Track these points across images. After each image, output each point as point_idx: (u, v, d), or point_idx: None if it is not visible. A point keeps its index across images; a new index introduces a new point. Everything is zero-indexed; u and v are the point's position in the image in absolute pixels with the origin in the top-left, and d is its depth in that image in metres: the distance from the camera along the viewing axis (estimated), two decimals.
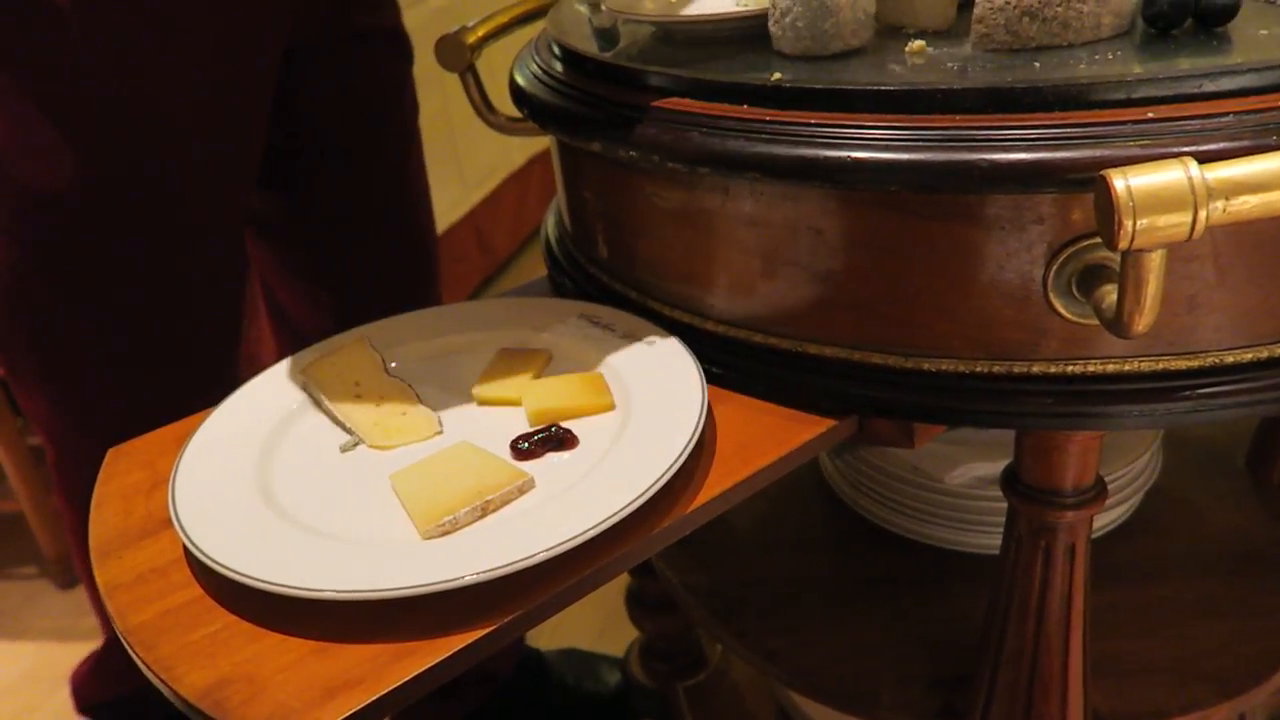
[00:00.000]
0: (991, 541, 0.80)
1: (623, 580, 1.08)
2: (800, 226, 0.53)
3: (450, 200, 2.07)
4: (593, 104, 0.59)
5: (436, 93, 2.00)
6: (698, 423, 0.52)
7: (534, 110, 0.64)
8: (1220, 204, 0.38)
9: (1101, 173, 0.38)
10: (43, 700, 1.08)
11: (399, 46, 0.95)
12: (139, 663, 0.44)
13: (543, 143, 2.47)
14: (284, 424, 0.58)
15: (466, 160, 2.12)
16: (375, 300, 0.94)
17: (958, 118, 0.47)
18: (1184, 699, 0.70)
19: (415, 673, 0.42)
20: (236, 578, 0.45)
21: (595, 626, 1.35)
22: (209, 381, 0.83)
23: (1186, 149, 0.43)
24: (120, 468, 0.58)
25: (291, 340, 1.03)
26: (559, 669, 1.21)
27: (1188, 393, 0.50)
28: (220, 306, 0.85)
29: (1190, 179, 0.37)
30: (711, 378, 0.57)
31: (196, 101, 0.75)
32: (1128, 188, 0.38)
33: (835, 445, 0.90)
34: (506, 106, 0.77)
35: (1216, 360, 0.50)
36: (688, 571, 0.87)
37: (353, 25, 0.88)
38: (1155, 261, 0.40)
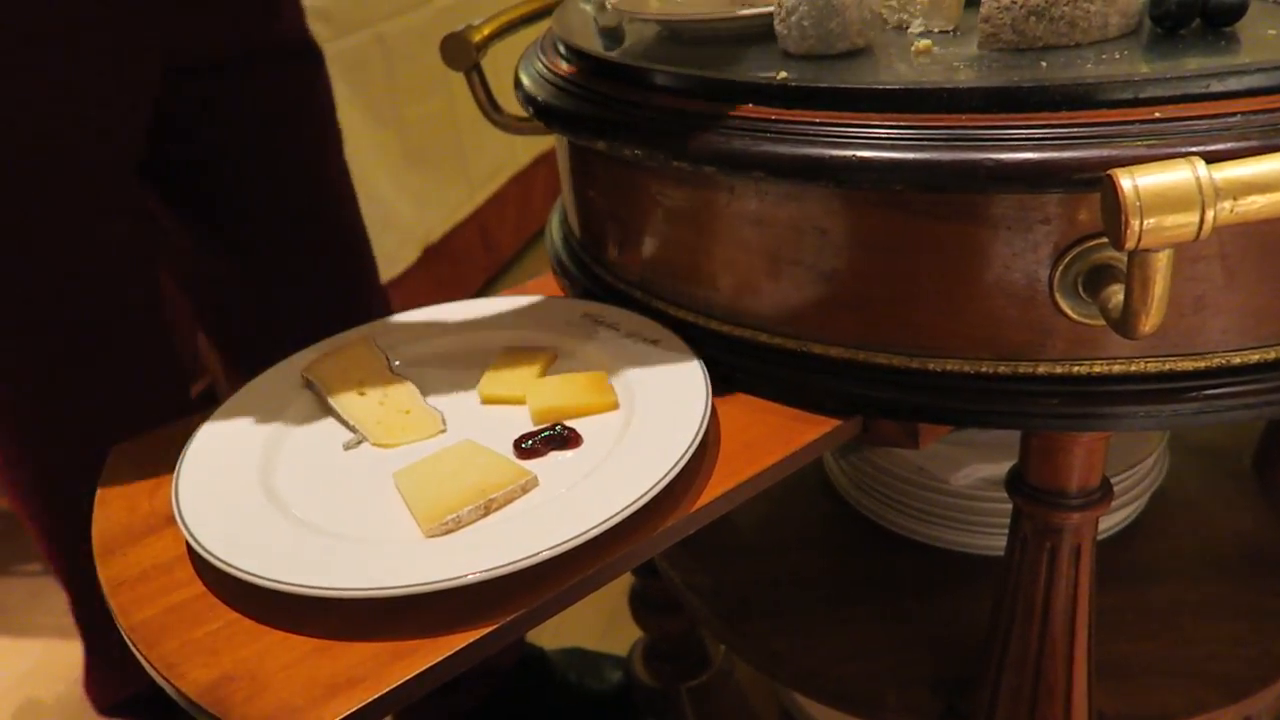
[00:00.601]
0: (996, 543, 0.80)
1: (626, 580, 1.08)
2: (805, 226, 0.53)
3: (455, 199, 2.07)
4: (598, 103, 0.59)
5: (442, 92, 2.00)
6: (701, 422, 0.51)
7: (539, 109, 0.64)
8: (1228, 204, 0.38)
9: (1108, 172, 0.38)
10: (48, 696, 1.08)
11: (304, 55, 0.95)
12: (141, 660, 0.44)
13: (548, 142, 2.47)
14: (287, 421, 0.58)
15: (472, 160, 2.12)
16: (310, 307, 0.96)
17: (964, 117, 0.47)
18: (1190, 701, 0.70)
19: (417, 671, 0.41)
20: (239, 575, 0.45)
21: (599, 626, 1.35)
22: (144, 391, 0.85)
23: (1194, 149, 0.42)
24: (124, 465, 0.58)
25: (232, 355, 1.04)
26: (561, 667, 1.21)
27: (1194, 394, 0.50)
28: (125, 309, 0.85)
29: (1198, 179, 0.37)
30: (716, 377, 0.57)
31: (65, 111, 0.75)
32: (1135, 187, 0.37)
33: (840, 446, 0.90)
34: (512, 105, 0.77)
35: (1223, 361, 0.50)
36: (691, 572, 0.86)
37: (254, 40, 0.88)
38: (1162, 262, 0.40)
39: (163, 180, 0.91)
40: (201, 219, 0.93)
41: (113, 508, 0.54)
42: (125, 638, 0.45)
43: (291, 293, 0.97)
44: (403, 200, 1.86)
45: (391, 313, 1.10)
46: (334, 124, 0.99)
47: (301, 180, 0.95)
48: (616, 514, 0.46)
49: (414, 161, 1.90)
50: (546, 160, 2.50)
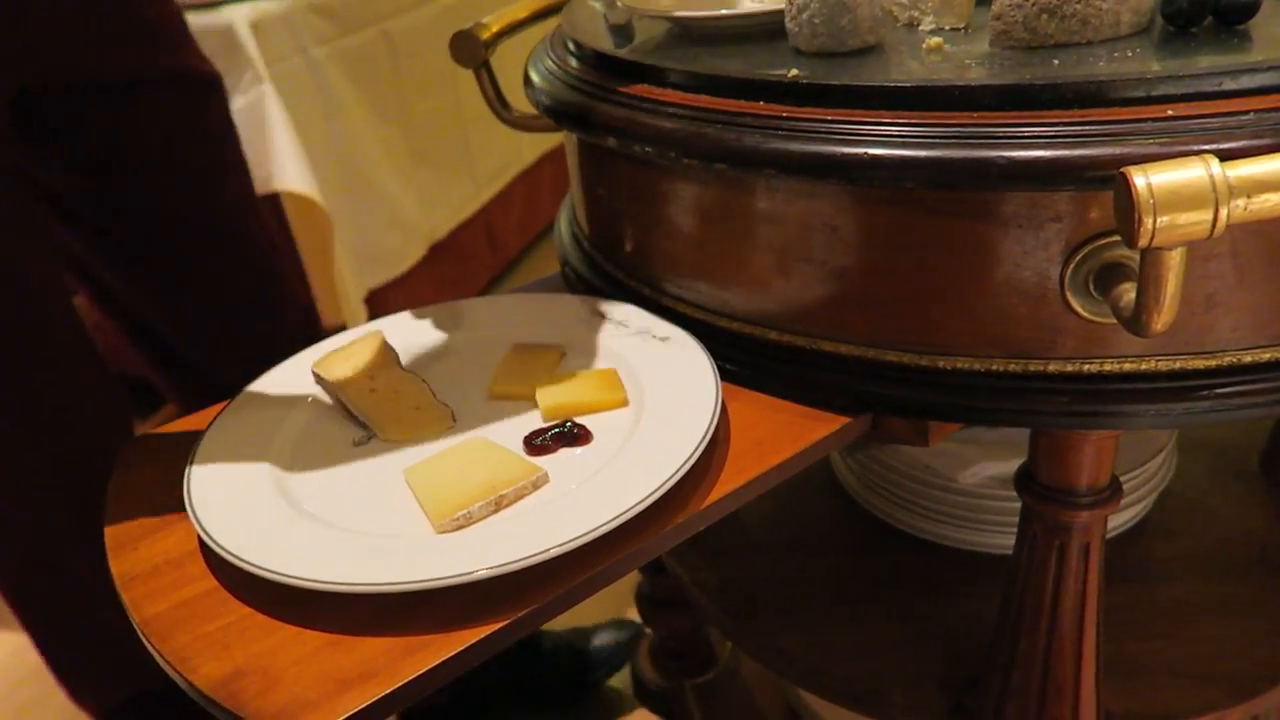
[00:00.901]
0: (1004, 541, 0.79)
1: (633, 578, 1.08)
2: (816, 223, 0.53)
3: (461, 197, 2.07)
4: (608, 100, 0.59)
5: (449, 90, 2.00)
6: (711, 419, 0.51)
7: (549, 106, 0.64)
8: (1241, 202, 0.38)
9: (1122, 170, 0.38)
10: (52, 693, 1.09)
11: (192, 86, 0.95)
12: (154, 653, 0.44)
13: (553, 141, 2.47)
14: (298, 417, 0.58)
15: (478, 157, 2.12)
16: (222, 327, 0.99)
17: (975, 115, 0.47)
18: (1197, 701, 0.70)
19: (429, 666, 0.42)
20: (251, 570, 0.45)
21: None
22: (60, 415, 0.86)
23: (1206, 147, 0.42)
24: (136, 460, 0.58)
25: (169, 377, 1.05)
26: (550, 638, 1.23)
27: (1205, 392, 0.50)
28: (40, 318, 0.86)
29: (1212, 176, 0.37)
30: (725, 374, 0.57)
31: None
32: (1148, 185, 0.37)
33: (848, 444, 0.90)
34: (520, 103, 0.77)
35: (1234, 360, 0.50)
36: (699, 569, 0.86)
37: (138, 70, 0.89)
38: (1175, 260, 0.40)
39: (71, 209, 0.92)
40: (106, 244, 0.95)
41: (125, 502, 0.54)
42: (139, 632, 0.46)
43: (201, 314, 0.99)
44: (409, 197, 1.86)
45: (316, 326, 1.11)
46: (231, 151, 1.01)
47: (195, 206, 0.96)
48: (626, 511, 0.46)
49: (420, 159, 1.90)
50: (552, 158, 2.50)
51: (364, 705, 0.40)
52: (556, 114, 0.63)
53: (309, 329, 1.10)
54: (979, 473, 0.81)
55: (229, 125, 1.00)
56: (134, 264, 0.96)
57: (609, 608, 1.36)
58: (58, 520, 0.90)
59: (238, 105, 1.56)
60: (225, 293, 1.00)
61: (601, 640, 1.26)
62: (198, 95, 0.96)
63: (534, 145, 2.43)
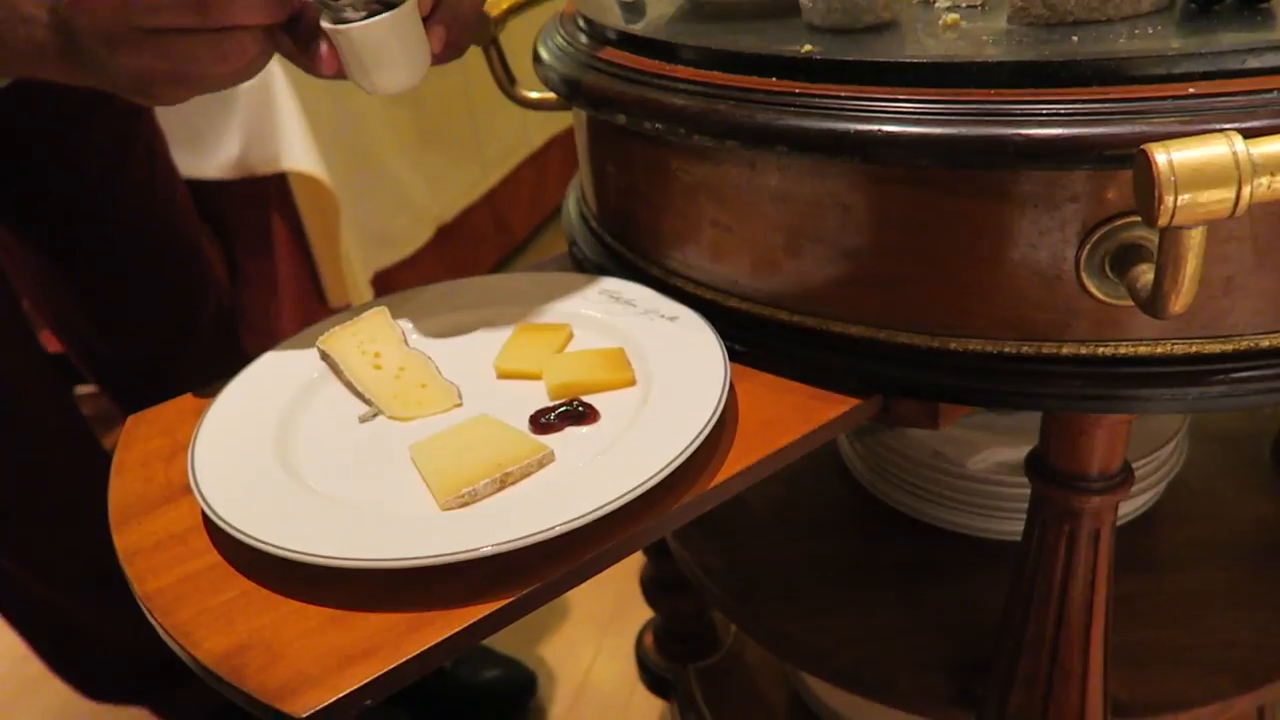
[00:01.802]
0: (1012, 527, 0.79)
1: (637, 560, 1.07)
2: (828, 202, 0.52)
3: (469, 180, 2.07)
4: (618, 77, 0.58)
5: (457, 71, 1.99)
6: (719, 400, 0.51)
7: (558, 83, 0.63)
8: (1265, 180, 0.37)
9: (1142, 147, 0.37)
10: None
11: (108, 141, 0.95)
12: (157, 627, 0.44)
13: (561, 124, 2.46)
14: (303, 393, 0.58)
15: (485, 140, 2.11)
16: (124, 320, 0.99)
17: (992, 92, 0.46)
18: (1205, 689, 0.70)
19: (432, 643, 0.41)
20: (255, 545, 0.45)
21: (609, 607, 1.35)
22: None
23: (1229, 126, 0.41)
24: (140, 434, 0.58)
25: (97, 374, 1.05)
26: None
27: (1221, 377, 0.49)
28: None
29: (1235, 154, 0.36)
30: (734, 355, 0.56)
31: None
32: (1169, 162, 0.37)
33: (856, 429, 0.89)
34: (530, 81, 0.76)
35: (1252, 344, 0.49)
36: (704, 553, 0.86)
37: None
38: (1195, 240, 0.39)
39: (17, 211, 0.92)
40: (18, 223, 0.94)
41: (129, 477, 0.54)
42: (141, 606, 0.45)
43: (110, 298, 0.99)
44: (416, 180, 1.85)
45: (233, 317, 1.10)
46: (142, 131, 1.00)
47: (102, 186, 0.95)
48: (632, 490, 0.46)
49: (428, 141, 1.89)
50: (560, 142, 2.49)
51: (366, 681, 0.40)
52: (566, 90, 0.63)
53: (231, 330, 1.10)
54: (988, 458, 0.80)
55: (136, 106, 0.99)
56: (45, 244, 0.95)
57: (613, 591, 1.36)
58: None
59: (244, 85, 1.56)
60: (133, 277, 0.99)
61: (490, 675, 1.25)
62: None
63: (542, 129, 2.42)
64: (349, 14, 0.54)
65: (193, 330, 1.03)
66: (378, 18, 0.54)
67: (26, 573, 0.96)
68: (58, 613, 1.01)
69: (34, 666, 1.30)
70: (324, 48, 0.55)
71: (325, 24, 0.54)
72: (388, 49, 0.55)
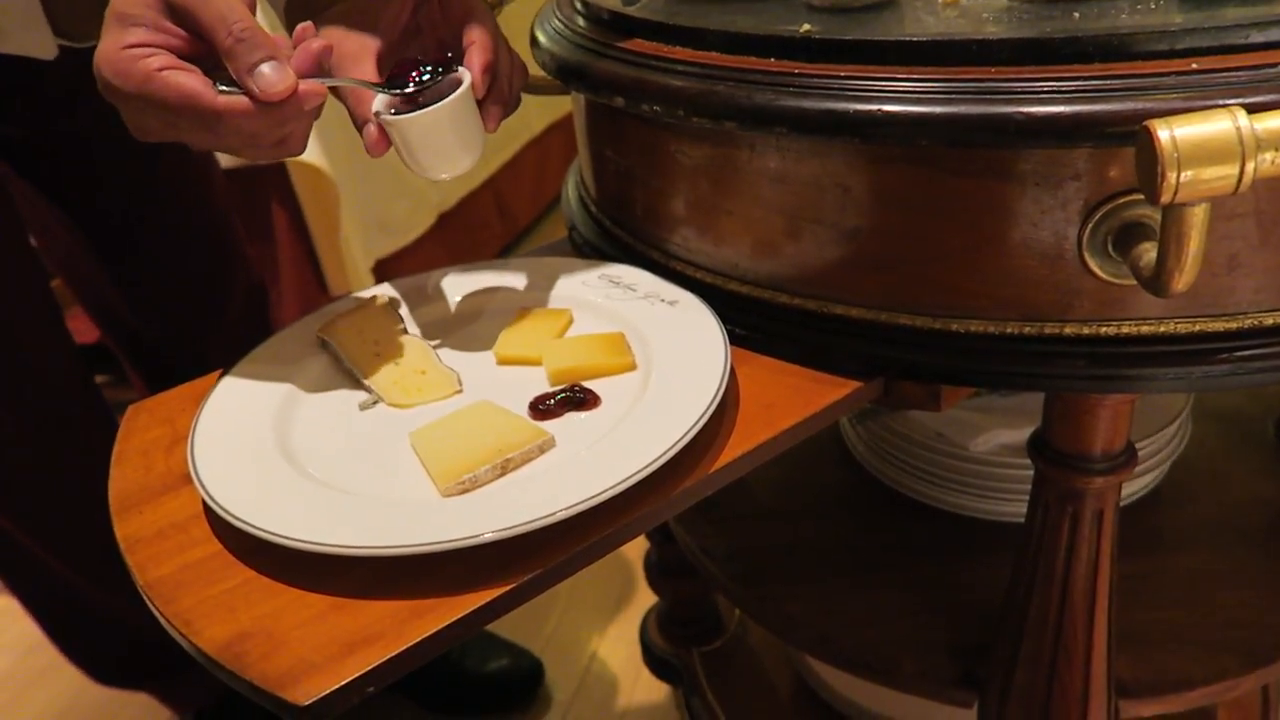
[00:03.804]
0: (1015, 509, 0.79)
1: (641, 546, 1.08)
2: (827, 183, 0.52)
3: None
4: (616, 59, 0.58)
5: None
6: (720, 383, 0.51)
7: (556, 66, 0.63)
8: (1269, 156, 0.36)
9: (1145, 123, 0.37)
10: (65, 659, 1.11)
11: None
12: (159, 616, 0.44)
13: (563, 110, 2.44)
14: (303, 381, 0.58)
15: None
16: (161, 307, 1.00)
17: (993, 70, 0.46)
18: (1210, 669, 0.69)
19: (434, 630, 0.41)
20: (256, 533, 0.44)
21: (613, 593, 1.35)
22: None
23: (1232, 101, 0.41)
24: (140, 423, 0.58)
25: (126, 349, 1.05)
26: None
27: (1225, 355, 0.49)
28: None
29: (1239, 129, 0.36)
30: (735, 339, 0.56)
31: None
32: (1172, 138, 0.36)
33: (858, 411, 0.89)
34: (529, 65, 0.75)
35: (1255, 322, 0.49)
36: (707, 537, 0.86)
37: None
38: (1198, 217, 0.39)
39: (59, 191, 0.92)
40: (60, 207, 0.94)
41: (129, 466, 0.54)
42: (142, 595, 0.45)
43: (148, 285, 0.99)
44: None
45: (266, 304, 1.10)
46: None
47: (134, 172, 0.95)
48: (634, 475, 0.45)
49: None
50: (562, 128, 2.48)
51: (368, 668, 0.40)
52: (564, 74, 0.62)
53: (261, 307, 1.10)
54: (990, 440, 0.80)
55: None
56: (80, 218, 0.95)
57: (617, 576, 1.36)
58: (22, 477, 0.91)
59: None
60: (169, 264, 0.99)
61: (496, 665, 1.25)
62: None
63: (542, 115, 2.41)
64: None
65: (224, 308, 1.03)
66: (431, 109, 0.51)
67: (49, 554, 0.96)
68: (74, 595, 1.01)
69: (42, 657, 1.31)
70: (373, 130, 0.54)
71: (379, 113, 0.53)
72: (441, 137, 0.53)
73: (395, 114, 0.53)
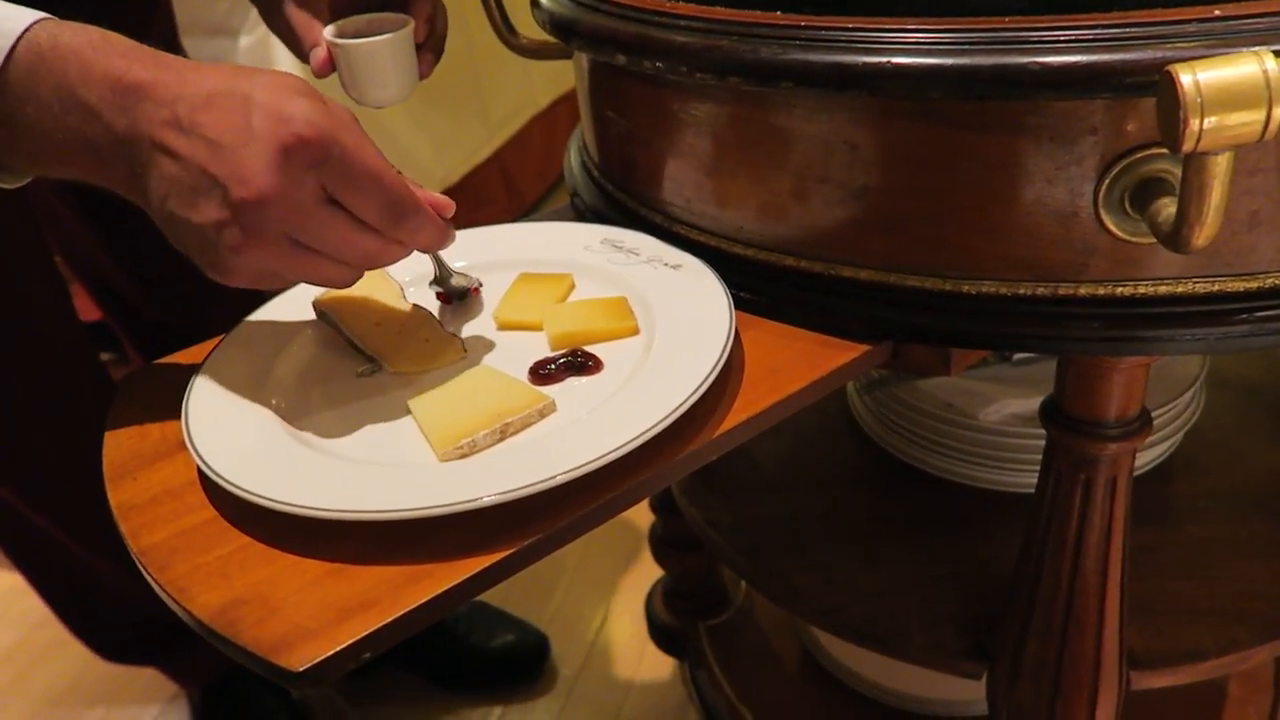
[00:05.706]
0: (1026, 480, 0.78)
1: (646, 519, 1.07)
2: (835, 141, 0.50)
3: (474, 141, 2.04)
4: (616, 15, 0.56)
5: (460, 31, 1.95)
6: (724, 347, 0.49)
7: (556, 25, 0.61)
8: None
9: (1167, 68, 0.36)
10: (71, 634, 1.11)
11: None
12: (152, 583, 0.43)
13: (568, 83, 2.42)
14: (300, 348, 0.57)
15: (490, 100, 2.08)
16: (161, 283, 0.99)
17: (1007, 20, 0.44)
18: (1222, 640, 0.68)
19: (432, 595, 0.40)
20: (251, 499, 0.44)
21: (618, 567, 1.35)
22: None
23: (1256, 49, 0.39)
24: (136, 391, 0.57)
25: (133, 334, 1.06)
26: (451, 619, 1.23)
27: (1244, 315, 0.47)
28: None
29: (1265, 73, 0.35)
30: (740, 303, 0.55)
31: None
32: (1195, 83, 0.35)
33: (866, 382, 0.88)
34: (528, 29, 0.74)
35: (1276, 282, 0.47)
36: (712, 509, 0.85)
37: None
38: (1221, 166, 0.37)
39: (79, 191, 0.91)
40: (86, 197, 0.93)
41: (123, 434, 0.53)
42: (136, 562, 0.45)
43: (149, 260, 0.98)
44: (421, 141, 1.83)
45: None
46: None
47: None
48: (636, 438, 0.44)
49: (431, 101, 1.87)
50: (568, 100, 2.46)
51: (365, 634, 0.39)
52: (565, 33, 0.61)
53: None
54: (1000, 410, 0.79)
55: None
56: (84, 204, 0.94)
57: (622, 549, 1.35)
58: (28, 448, 0.91)
59: (244, 45, 1.53)
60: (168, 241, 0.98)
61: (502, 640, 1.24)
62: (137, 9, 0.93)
63: (548, 88, 2.39)
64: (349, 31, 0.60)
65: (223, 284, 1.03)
66: (379, 38, 0.58)
67: (54, 528, 0.96)
68: (80, 571, 1.01)
69: (48, 633, 1.31)
70: (321, 53, 0.60)
71: (328, 36, 0.60)
72: (382, 67, 0.59)
73: (343, 39, 0.59)
